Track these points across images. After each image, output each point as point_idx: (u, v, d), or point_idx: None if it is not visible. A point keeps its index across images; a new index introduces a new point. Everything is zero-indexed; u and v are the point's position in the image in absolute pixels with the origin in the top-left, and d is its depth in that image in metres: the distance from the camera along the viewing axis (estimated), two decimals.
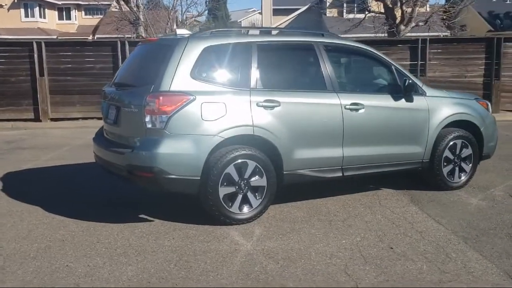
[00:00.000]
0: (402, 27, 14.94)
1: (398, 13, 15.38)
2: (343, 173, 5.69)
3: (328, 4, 37.64)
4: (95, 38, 36.84)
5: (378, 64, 6.08)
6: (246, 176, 5.12)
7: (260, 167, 5.16)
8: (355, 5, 37.77)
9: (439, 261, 4.26)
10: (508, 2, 42.22)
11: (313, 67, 5.63)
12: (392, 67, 6.05)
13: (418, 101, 6.04)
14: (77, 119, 14.09)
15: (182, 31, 5.58)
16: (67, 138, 11.44)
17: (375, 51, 6.08)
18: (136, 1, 17.04)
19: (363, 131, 5.71)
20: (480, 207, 5.76)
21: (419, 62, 13.91)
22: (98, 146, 5.67)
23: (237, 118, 5.05)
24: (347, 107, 5.59)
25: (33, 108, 13.93)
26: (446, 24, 15.85)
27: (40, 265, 4.23)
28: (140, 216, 5.47)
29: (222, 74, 5.20)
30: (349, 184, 6.43)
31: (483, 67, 14.24)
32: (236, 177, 5.07)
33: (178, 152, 4.86)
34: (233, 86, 5.15)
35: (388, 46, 14.04)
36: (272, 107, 5.20)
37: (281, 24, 39.82)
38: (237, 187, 5.09)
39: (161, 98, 4.81)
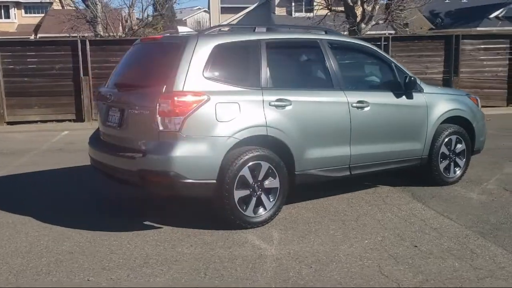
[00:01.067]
0: (363, 25, 15.16)
1: (358, 11, 15.59)
2: (350, 172, 5.64)
3: (277, 2, 37.78)
4: (37, 37, 35.40)
5: (378, 61, 6.07)
6: (260, 178, 4.97)
7: (273, 168, 5.02)
8: (303, 3, 38.28)
9: (467, 258, 4.26)
10: (447, 1, 43.88)
11: (319, 65, 5.55)
12: (392, 64, 6.06)
13: (417, 98, 6.08)
14: (35, 122, 13.43)
15: (184, 29, 5.37)
16: (30, 143, 10.85)
17: (375, 48, 6.07)
18: None
19: (369, 129, 5.68)
20: (481, 201, 5.84)
21: None
22: (97, 150, 5.37)
23: (251, 119, 4.89)
24: (354, 105, 5.54)
25: None
26: (394, 23, 16.19)
27: (58, 281, 3.92)
28: (146, 223, 5.21)
29: (234, 73, 5.03)
30: (345, 182, 6.35)
31: (442, 63, 14.63)
32: (250, 179, 4.91)
33: (194, 155, 4.65)
34: (245, 85, 4.99)
35: None
36: (284, 106, 5.07)
37: (229, 22, 39.66)
38: (251, 189, 4.94)
39: (175, 99, 4.59)
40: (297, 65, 5.57)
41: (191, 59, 4.74)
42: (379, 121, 5.76)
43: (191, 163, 4.64)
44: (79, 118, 13.29)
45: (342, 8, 16.17)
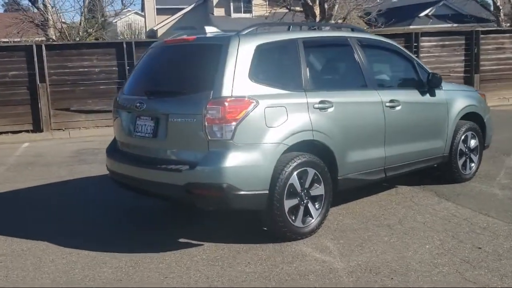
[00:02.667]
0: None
1: (317, 11, 15.58)
2: (386, 174, 5.47)
3: (215, 3, 37.36)
4: None
5: (401, 58, 5.93)
6: (307, 185, 4.69)
7: (318, 174, 4.75)
8: (242, 4, 38.12)
9: None
10: (378, 0, 45.10)
11: (353, 64, 5.32)
12: (414, 61, 5.96)
13: (439, 95, 6.00)
14: None
15: (211, 29, 4.98)
16: None
17: (398, 45, 5.94)
18: (43, 1, 15.33)
19: (401, 128, 5.54)
20: (509, 197, 5.83)
21: None
22: (123, 163, 4.88)
23: (298, 123, 4.60)
24: (387, 104, 5.38)
25: None
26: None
27: None
28: (182, 240, 4.79)
29: (277, 74, 4.73)
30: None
31: None
32: (298, 187, 4.62)
33: (247, 164, 4.30)
34: (288, 87, 4.70)
35: None
36: (326, 109, 4.82)
37: (166, 23, 38.88)
38: (299, 198, 4.64)
39: (226, 104, 4.22)
40: (333, 64, 5.34)
41: (236, 60, 4.38)
42: (409, 120, 5.63)
43: (244, 173, 4.29)
44: (37, 128, 12.35)
45: (300, 8, 16.11)
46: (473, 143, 6.49)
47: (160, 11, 41.59)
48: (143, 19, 44.19)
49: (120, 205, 6.05)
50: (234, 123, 4.23)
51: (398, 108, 5.46)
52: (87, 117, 12.65)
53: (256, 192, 4.35)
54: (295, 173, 4.55)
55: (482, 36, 15.35)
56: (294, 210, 4.61)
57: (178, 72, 4.73)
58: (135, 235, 5.05)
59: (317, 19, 15.42)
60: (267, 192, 4.39)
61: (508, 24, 20.13)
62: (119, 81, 12.47)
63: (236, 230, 5.03)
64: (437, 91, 5.98)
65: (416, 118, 5.73)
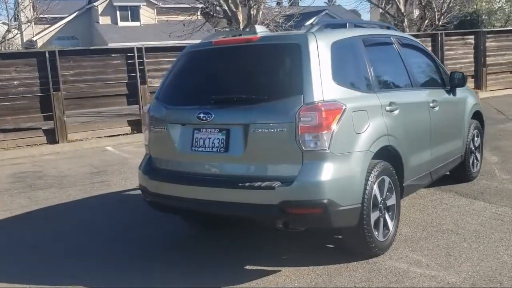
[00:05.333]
0: (247, 30, 14.75)
1: (240, 17, 15.23)
2: (432, 178, 5.25)
3: (100, 11, 35.58)
4: None
5: (428, 57, 5.78)
6: (384, 195, 4.30)
7: (392, 182, 4.39)
8: (129, 12, 36.77)
9: None
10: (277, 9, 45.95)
11: (399, 62, 5.03)
12: (437, 61, 5.84)
13: (458, 94, 5.94)
14: None
15: (261, 28, 4.41)
16: None
17: (421, 44, 5.77)
18: None
19: (440, 129, 5.37)
20: None
21: None
22: (178, 184, 4.13)
23: (378, 127, 4.22)
24: (431, 105, 5.18)
25: None
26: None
27: None
28: (250, 268, 4.17)
29: (351, 74, 4.32)
30: None
31: None
32: (378, 198, 4.22)
33: (344, 176, 3.83)
34: (361, 88, 4.31)
35: None
36: (393, 111, 4.48)
37: (46, 34, 36.30)
38: (378, 210, 4.24)
39: (322, 109, 3.70)
40: (386, 63, 4.98)
41: (318, 60, 3.89)
42: (444, 121, 5.50)
43: (342, 186, 3.82)
44: None
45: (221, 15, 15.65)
46: (478, 141, 6.53)
47: (37, 21, 38.66)
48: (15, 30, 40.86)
49: (134, 231, 5.22)
50: (330, 131, 3.74)
51: (437, 108, 5.28)
52: (5, 136, 11.12)
53: (352, 207, 3.88)
54: (376, 182, 4.15)
55: None
56: (376, 223, 4.21)
57: (250, 76, 4.10)
58: (189, 268, 4.31)
59: (241, 25, 15.05)
60: (360, 205, 3.94)
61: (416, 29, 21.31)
62: (42, 95, 11.16)
63: (301, 249, 4.50)
64: (457, 90, 5.91)
65: (447, 118, 5.62)
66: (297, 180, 3.69)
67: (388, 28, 5.44)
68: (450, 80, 5.76)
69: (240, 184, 3.81)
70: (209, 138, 4.01)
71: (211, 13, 15.76)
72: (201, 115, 4.01)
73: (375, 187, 4.13)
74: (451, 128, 5.72)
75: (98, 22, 35.75)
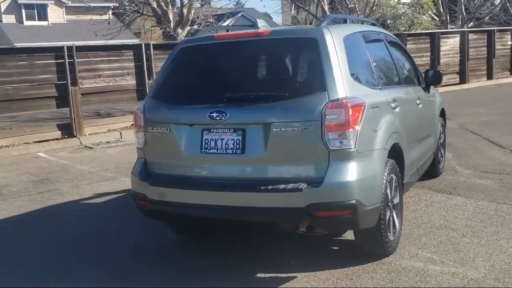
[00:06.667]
0: (179, 30, 14.36)
1: (171, 15, 14.73)
2: (419, 174, 5.27)
3: (3, 9, 33.29)
4: None
5: (406, 55, 5.79)
6: (392, 193, 4.22)
7: (397, 180, 4.32)
8: (35, 11, 34.78)
9: None
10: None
11: (389, 59, 5.00)
12: (412, 59, 5.89)
13: (431, 92, 6.03)
14: None
15: (262, 22, 4.18)
16: None
17: (401, 42, 5.81)
18: None
19: (423, 126, 5.42)
20: (496, 186, 6.05)
21: None
22: (192, 189, 3.79)
23: (389, 124, 4.14)
24: (417, 101, 5.20)
25: None
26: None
27: None
28: (263, 275, 3.93)
29: (362, 70, 4.20)
30: None
31: None
32: (389, 196, 4.13)
33: (369, 175, 3.71)
34: (369, 84, 4.19)
35: None
36: (396, 107, 4.42)
37: None
38: (388, 208, 4.15)
39: (349, 106, 3.54)
40: (380, 60, 4.89)
41: (337, 55, 3.73)
42: (425, 118, 5.56)
43: (367, 185, 3.69)
44: None
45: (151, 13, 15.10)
46: (442, 138, 6.68)
47: None
48: None
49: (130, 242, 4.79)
50: (356, 128, 3.59)
51: (420, 105, 5.32)
52: None
53: (374, 206, 3.76)
54: (388, 181, 4.06)
55: None
56: (388, 222, 4.11)
57: (265, 73, 3.85)
58: (199, 277, 3.98)
59: (172, 24, 14.63)
60: (379, 205, 3.83)
61: None
62: None
63: (305, 253, 4.32)
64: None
65: (426, 115, 5.68)
66: (325, 181, 3.50)
67: (374, 25, 5.40)
68: (425, 77, 5.83)
69: (262, 187, 3.55)
70: (222, 139, 3.72)
71: (140, 12, 15.18)
72: (214, 114, 3.70)
73: (387, 186, 4.04)
74: (429, 125, 5.79)
75: (1, 21, 33.41)
